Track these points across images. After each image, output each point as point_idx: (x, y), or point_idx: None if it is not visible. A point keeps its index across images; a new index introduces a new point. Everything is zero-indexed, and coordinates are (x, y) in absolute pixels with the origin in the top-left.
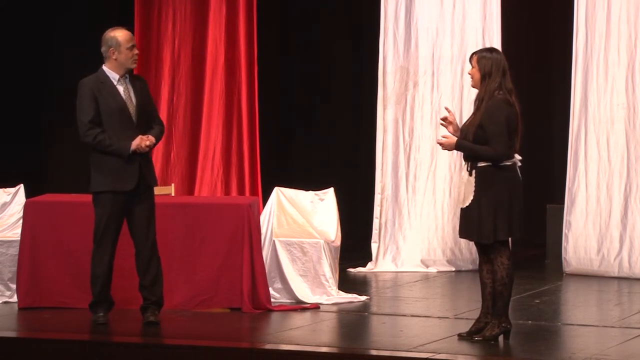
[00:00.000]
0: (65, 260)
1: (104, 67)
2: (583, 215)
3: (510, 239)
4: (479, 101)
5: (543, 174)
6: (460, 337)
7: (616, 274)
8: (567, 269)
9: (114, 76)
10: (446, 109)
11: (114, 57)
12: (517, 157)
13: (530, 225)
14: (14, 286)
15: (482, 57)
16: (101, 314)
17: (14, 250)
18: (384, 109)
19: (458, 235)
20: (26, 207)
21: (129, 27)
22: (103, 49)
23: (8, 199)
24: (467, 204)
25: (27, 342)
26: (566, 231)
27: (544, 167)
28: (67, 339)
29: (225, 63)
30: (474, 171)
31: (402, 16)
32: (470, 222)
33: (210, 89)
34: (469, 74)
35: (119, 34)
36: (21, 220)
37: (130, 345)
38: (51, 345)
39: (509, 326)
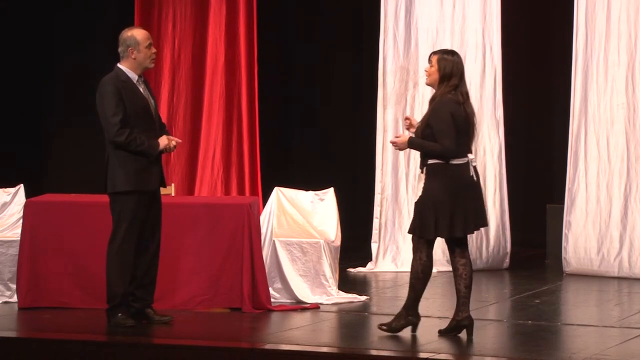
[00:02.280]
0: (65, 260)
1: (121, 67)
2: (583, 215)
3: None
4: (432, 100)
5: (543, 174)
6: (381, 328)
7: (616, 274)
8: (567, 269)
9: (133, 76)
10: (406, 118)
11: (132, 57)
12: (471, 156)
13: (530, 225)
14: (14, 286)
15: (443, 58)
16: (121, 314)
17: (14, 250)
18: (384, 109)
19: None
20: (26, 207)
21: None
22: (121, 48)
23: (8, 199)
24: (416, 199)
25: (27, 342)
26: (566, 231)
27: (544, 167)
28: (67, 339)
29: (225, 63)
30: (424, 168)
31: (402, 16)
32: (415, 218)
33: (210, 89)
34: (426, 71)
35: (137, 33)
36: (21, 220)
37: (130, 345)
38: (51, 345)
39: (415, 320)
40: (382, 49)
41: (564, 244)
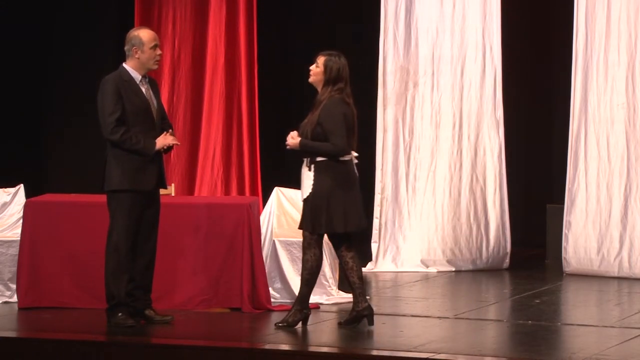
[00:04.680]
0: (65, 260)
1: (126, 66)
2: (583, 215)
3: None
4: (319, 102)
5: (543, 174)
6: (278, 326)
7: (616, 274)
8: (567, 269)
9: (136, 76)
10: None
11: (136, 56)
12: (354, 154)
13: (530, 225)
14: (14, 286)
15: (330, 60)
16: (121, 314)
17: (14, 250)
18: (384, 109)
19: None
20: (26, 207)
21: (129, 27)
22: (126, 47)
23: (8, 199)
24: (305, 196)
25: (27, 342)
26: (566, 231)
27: (544, 167)
28: (67, 339)
29: (225, 63)
30: (312, 165)
31: (402, 16)
32: (306, 214)
33: (210, 89)
34: (311, 70)
35: (143, 33)
36: (21, 220)
37: (130, 345)
38: (51, 345)
39: (309, 312)
40: (382, 49)
41: (564, 244)
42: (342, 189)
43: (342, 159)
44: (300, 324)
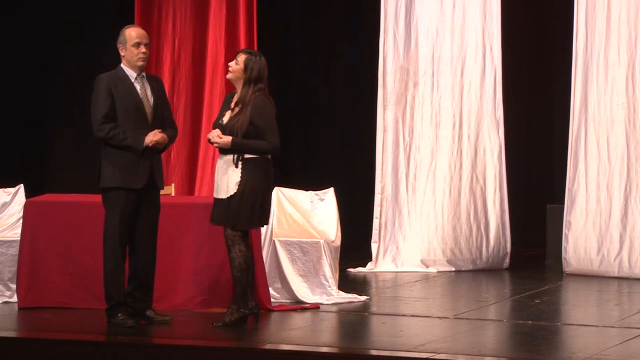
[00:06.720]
0: (65, 260)
1: (122, 64)
2: (583, 215)
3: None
4: (242, 103)
5: (543, 174)
6: (216, 326)
7: (616, 274)
8: (567, 269)
9: (131, 74)
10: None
11: (122, 54)
12: None
13: (530, 225)
14: (14, 286)
15: (251, 59)
16: (121, 315)
17: (14, 250)
18: (384, 109)
19: (211, 221)
20: (26, 207)
21: None
22: (117, 44)
23: (8, 199)
24: (230, 193)
25: (27, 342)
26: (566, 231)
27: (544, 167)
28: (67, 339)
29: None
30: (240, 162)
31: (402, 16)
32: (229, 210)
33: (210, 89)
34: (230, 67)
35: (128, 31)
36: (21, 220)
37: (130, 345)
38: (51, 345)
39: (247, 312)
40: (382, 49)
41: (564, 244)
42: (269, 185)
43: (268, 157)
44: (269, 324)
